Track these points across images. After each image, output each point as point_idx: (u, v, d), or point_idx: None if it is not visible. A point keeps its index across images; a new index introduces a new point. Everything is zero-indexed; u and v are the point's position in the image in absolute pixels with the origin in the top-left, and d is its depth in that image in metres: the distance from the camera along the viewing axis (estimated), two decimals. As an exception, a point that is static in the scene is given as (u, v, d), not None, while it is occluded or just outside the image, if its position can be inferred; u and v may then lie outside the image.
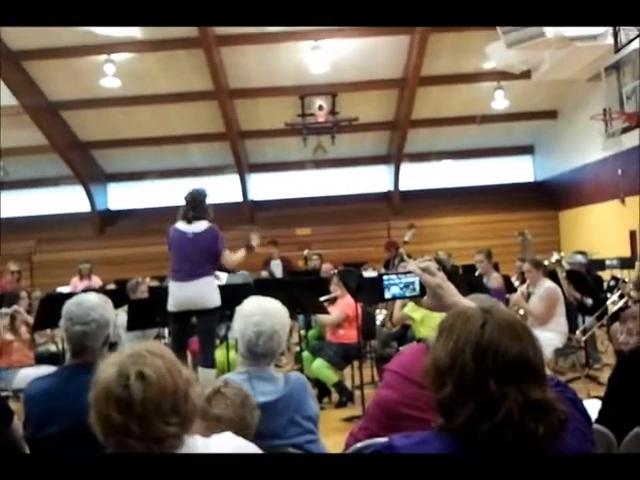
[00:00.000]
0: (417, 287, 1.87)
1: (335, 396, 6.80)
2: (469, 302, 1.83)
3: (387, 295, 1.91)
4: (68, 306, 2.79)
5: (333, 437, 3.12)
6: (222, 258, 6.08)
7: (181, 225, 5.99)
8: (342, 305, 6.96)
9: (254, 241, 6.54)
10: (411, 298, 1.91)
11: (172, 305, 5.92)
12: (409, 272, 1.87)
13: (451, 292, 1.85)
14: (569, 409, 1.48)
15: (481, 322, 1.46)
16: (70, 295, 3.19)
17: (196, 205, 6.00)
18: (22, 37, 11.50)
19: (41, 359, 6.63)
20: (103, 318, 2.76)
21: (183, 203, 6.06)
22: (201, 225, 5.97)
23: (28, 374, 5.56)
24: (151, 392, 1.56)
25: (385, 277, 1.90)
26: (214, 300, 5.94)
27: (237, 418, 2.33)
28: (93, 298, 2.84)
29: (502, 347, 1.42)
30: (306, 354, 6.85)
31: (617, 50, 8.16)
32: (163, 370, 1.59)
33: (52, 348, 7.34)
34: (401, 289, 1.88)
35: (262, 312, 2.72)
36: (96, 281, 11.02)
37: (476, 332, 1.44)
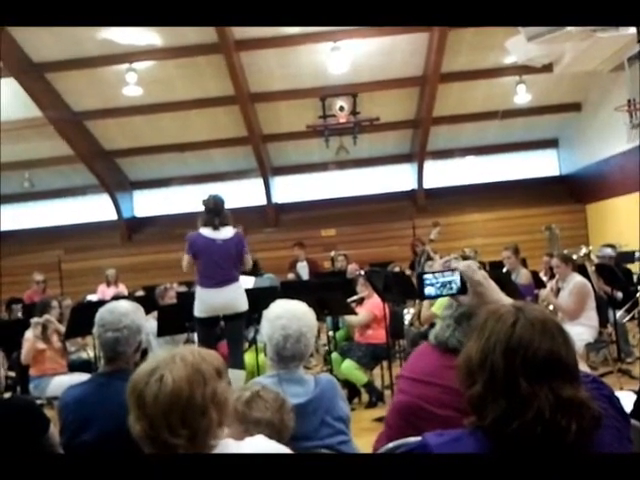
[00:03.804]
0: (455, 286, 1.87)
1: (365, 396, 6.79)
2: (510, 300, 1.82)
3: (427, 293, 1.91)
4: (101, 313, 2.83)
5: (364, 437, 3.11)
6: (244, 260, 6.19)
7: (207, 232, 6.01)
8: (369, 305, 6.96)
9: None
10: (451, 296, 1.91)
11: (202, 311, 6.00)
12: (448, 270, 1.88)
13: (492, 290, 1.85)
14: (604, 406, 1.46)
15: (512, 320, 1.46)
16: (100, 303, 3.23)
17: (220, 211, 6.05)
18: (44, 49, 11.68)
19: (73, 367, 6.72)
20: (135, 324, 2.80)
21: (203, 209, 6.10)
22: (228, 231, 6.04)
23: (61, 382, 5.67)
24: (163, 396, 1.56)
25: (425, 276, 1.91)
26: (245, 304, 6.11)
27: (276, 421, 2.34)
28: (125, 305, 2.88)
29: (533, 345, 1.42)
30: (335, 355, 6.85)
31: (640, 40, 8.07)
32: (182, 378, 1.57)
33: (84, 356, 7.42)
34: (438, 288, 1.89)
35: (289, 315, 2.72)
36: (122, 288, 11.15)
37: (507, 330, 1.44)
